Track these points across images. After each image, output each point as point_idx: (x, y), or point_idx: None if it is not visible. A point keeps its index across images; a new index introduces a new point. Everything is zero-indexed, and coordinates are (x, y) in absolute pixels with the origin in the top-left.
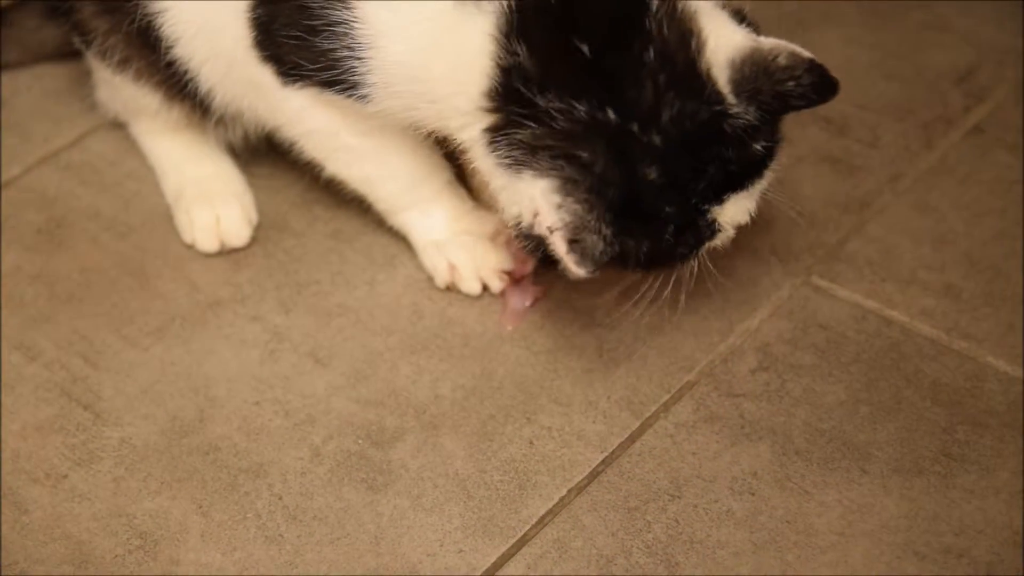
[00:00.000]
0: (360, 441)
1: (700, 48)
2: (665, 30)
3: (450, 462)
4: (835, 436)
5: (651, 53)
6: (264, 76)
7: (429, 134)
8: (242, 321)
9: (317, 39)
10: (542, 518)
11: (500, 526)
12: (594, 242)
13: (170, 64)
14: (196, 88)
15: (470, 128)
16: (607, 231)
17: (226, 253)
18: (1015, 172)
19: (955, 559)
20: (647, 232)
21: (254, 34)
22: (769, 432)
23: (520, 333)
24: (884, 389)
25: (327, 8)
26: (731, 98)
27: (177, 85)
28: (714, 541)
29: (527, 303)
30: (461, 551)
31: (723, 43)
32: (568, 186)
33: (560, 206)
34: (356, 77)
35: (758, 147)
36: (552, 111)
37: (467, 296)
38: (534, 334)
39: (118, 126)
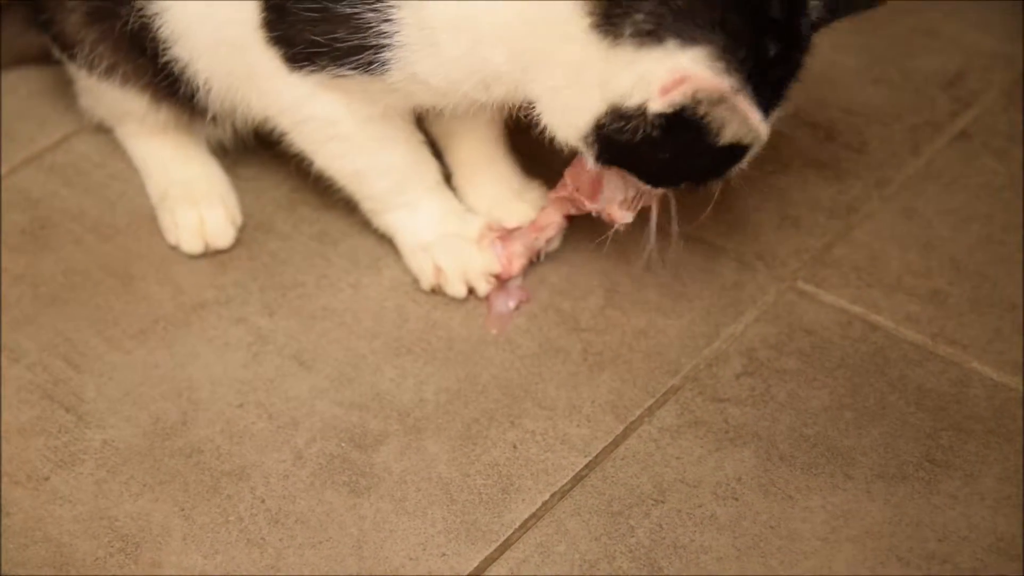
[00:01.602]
0: (343, 444)
1: None
2: None
3: (433, 466)
4: (819, 441)
5: None
6: (266, 61)
7: (433, 110)
8: (226, 323)
9: (338, 5)
10: (525, 522)
11: (483, 530)
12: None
13: (162, 65)
14: (186, 88)
15: (570, 31)
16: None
17: (210, 255)
18: (1002, 178)
19: (939, 565)
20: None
21: (264, 14)
22: (753, 437)
23: (505, 336)
24: (869, 394)
25: None
26: None
27: (165, 86)
28: (697, 546)
29: (512, 306)
30: (444, 555)
31: None
32: (727, 53)
33: (728, 72)
34: (383, 41)
35: (803, 59)
36: None
37: (452, 299)
38: (519, 337)
39: (103, 128)
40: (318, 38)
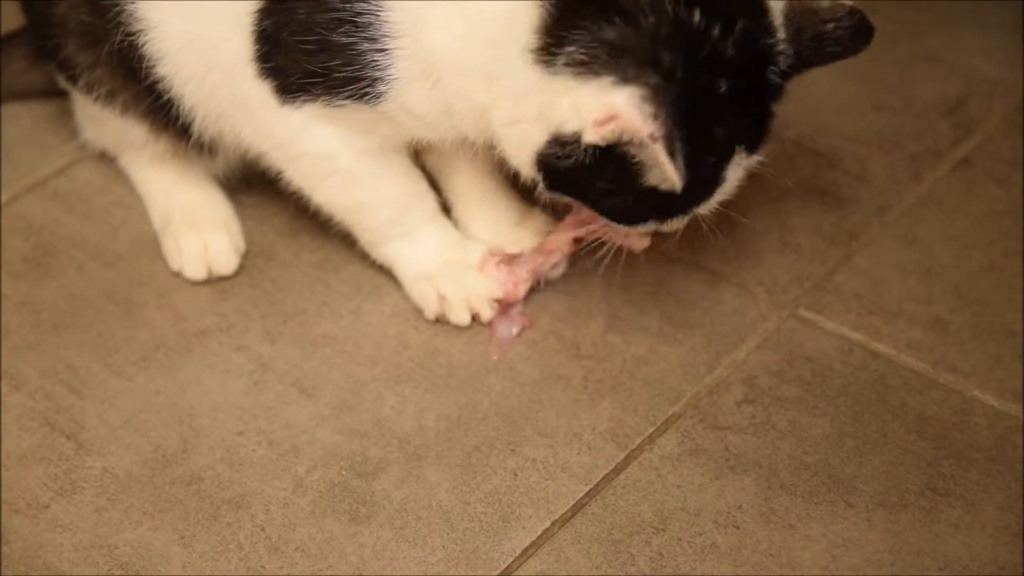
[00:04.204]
0: (344, 472)
1: None
2: None
3: (434, 493)
4: (820, 469)
5: None
6: (258, 94)
7: (417, 143)
8: (227, 351)
9: (334, 35)
10: (526, 550)
11: (483, 558)
12: (681, 153)
13: (152, 88)
14: (180, 115)
15: (517, 62)
16: (687, 143)
17: (212, 282)
18: (1003, 204)
19: None
20: (701, 151)
21: (258, 46)
22: (754, 465)
23: (506, 363)
24: (870, 422)
25: (349, 2)
26: (780, 31)
27: (162, 115)
28: (698, 574)
29: (514, 332)
30: None
31: None
32: (658, 96)
33: (655, 116)
34: (377, 73)
35: (774, 109)
36: (642, 6)
37: (452, 326)
38: (520, 365)
39: (106, 156)
40: (315, 68)
